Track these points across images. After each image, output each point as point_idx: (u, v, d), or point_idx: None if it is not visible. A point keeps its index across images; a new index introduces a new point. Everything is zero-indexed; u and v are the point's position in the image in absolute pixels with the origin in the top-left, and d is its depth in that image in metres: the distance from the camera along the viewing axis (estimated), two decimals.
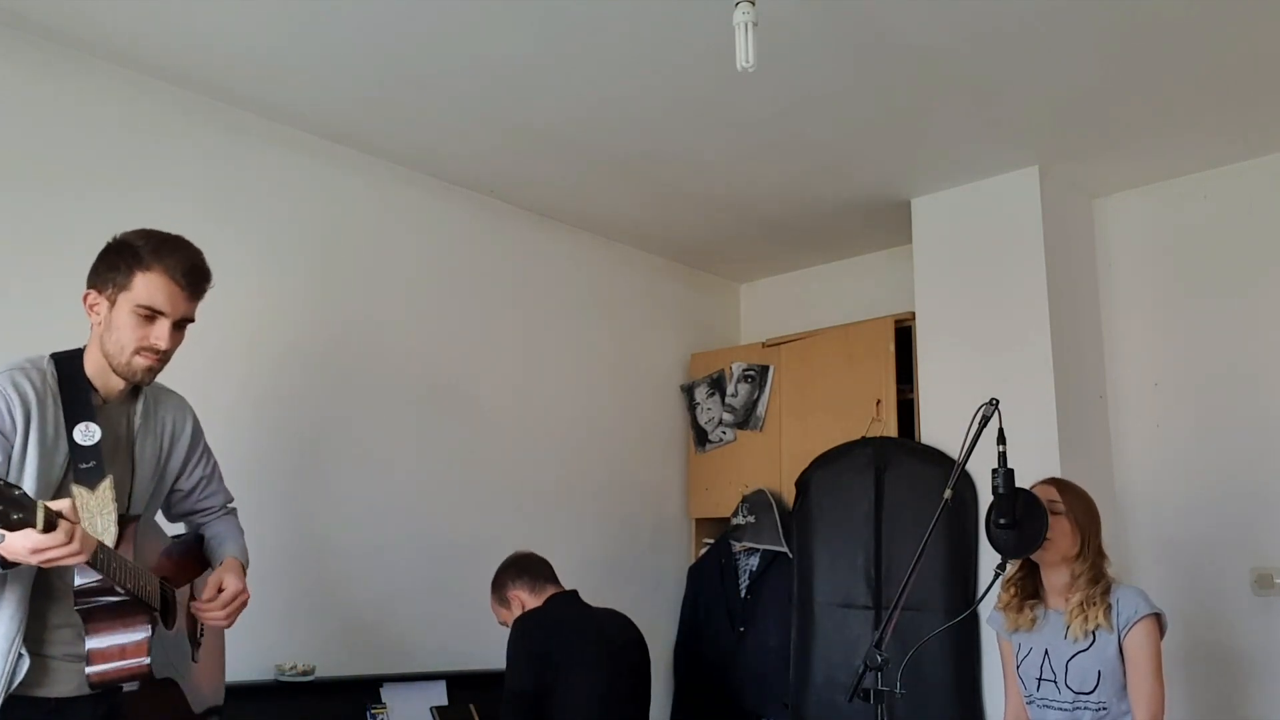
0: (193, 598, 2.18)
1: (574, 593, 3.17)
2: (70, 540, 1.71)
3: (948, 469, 2.80)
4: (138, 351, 2.01)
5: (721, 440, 4.45)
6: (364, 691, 3.20)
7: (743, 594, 4.09)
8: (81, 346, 2.06)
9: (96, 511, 1.95)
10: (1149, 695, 2.50)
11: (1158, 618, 2.58)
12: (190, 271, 2.05)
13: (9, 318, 2.64)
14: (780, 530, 4.01)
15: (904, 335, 3.93)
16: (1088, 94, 3.10)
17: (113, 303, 2.01)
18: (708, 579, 4.26)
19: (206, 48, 2.87)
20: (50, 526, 1.67)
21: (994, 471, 2.47)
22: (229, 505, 2.38)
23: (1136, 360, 3.70)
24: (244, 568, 2.24)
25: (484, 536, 3.68)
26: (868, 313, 4.18)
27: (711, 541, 4.40)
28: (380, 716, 3.18)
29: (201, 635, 2.23)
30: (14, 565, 1.80)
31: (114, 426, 2.06)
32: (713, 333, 4.81)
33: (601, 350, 4.29)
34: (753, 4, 2.33)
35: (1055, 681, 2.62)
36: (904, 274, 4.01)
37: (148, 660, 1.91)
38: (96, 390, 2.04)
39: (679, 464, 4.57)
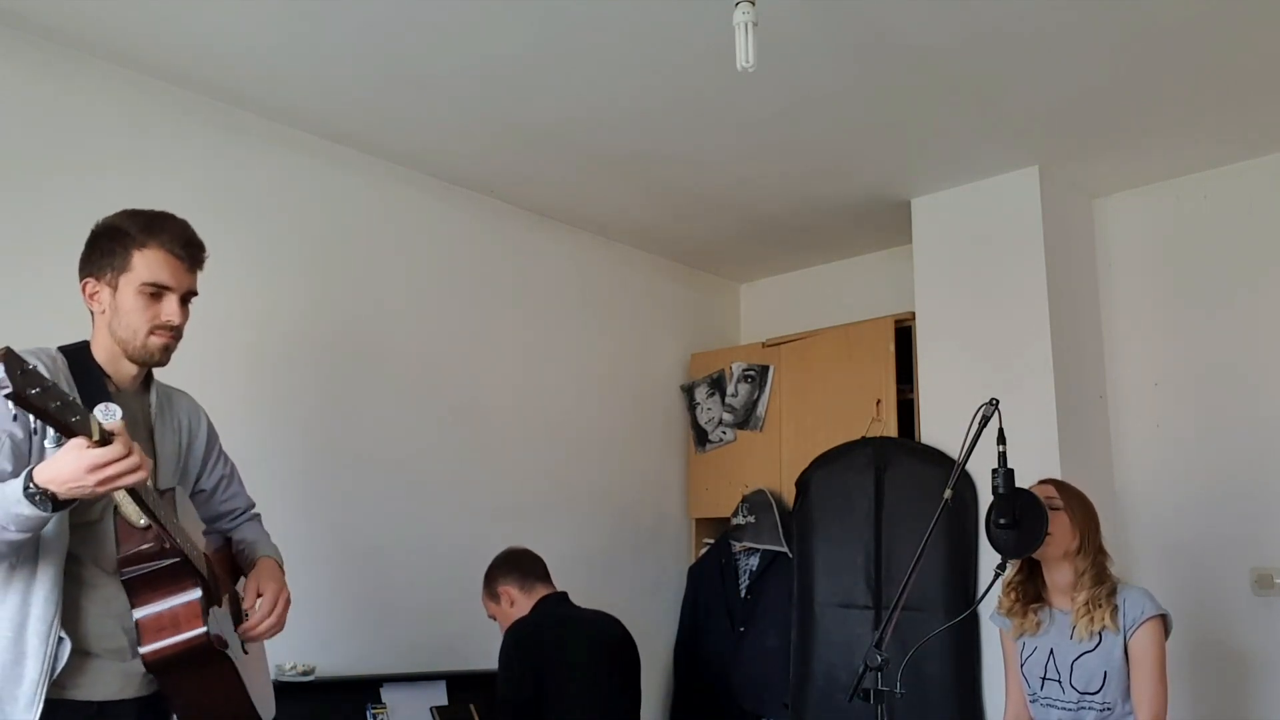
0: (234, 605, 2.08)
1: (563, 595, 3.19)
2: (130, 452, 1.60)
3: (948, 469, 2.79)
4: (152, 332, 1.96)
5: (721, 440, 4.45)
6: (364, 691, 3.20)
7: (743, 594, 4.09)
8: (86, 340, 2.01)
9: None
10: (1153, 696, 2.51)
11: (1163, 619, 2.58)
12: (187, 243, 2.01)
13: (9, 318, 2.64)
14: (780, 530, 4.01)
15: (904, 335, 3.93)
16: (1088, 94, 3.10)
17: (114, 287, 1.95)
18: (708, 579, 4.26)
19: (206, 48, 2.87)
20: (105, 441, 1.56)
21: (994, 471, 2.47)
22: (253, 510, 2.33)
23: (1136, 360, 3.70)
24: (280, 566, 2.19)
25: (484, 536, 3.68)
26: (868, 313, 4.18)
27: (711, 541, 4.40)
28: (380, 716, 3.18)
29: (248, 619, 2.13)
30: (65, 505, 1.67)
31: (132, 412, 1.98)
32: (713, 333, 4.81)
33: (601, 350, 4.29)
34: (753, 4, 2.33)
35: (1060, 681, 2.62)
36: (904, 274, 4.01)
37: (204, 628, 1.79)
38: (110, 378, 1.98)
39: (679, 464, 4.57)
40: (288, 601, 2.12)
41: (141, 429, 2.02)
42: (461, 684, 3.40)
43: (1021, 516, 2.54)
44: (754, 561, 4.09)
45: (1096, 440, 3.65)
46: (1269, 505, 3.35)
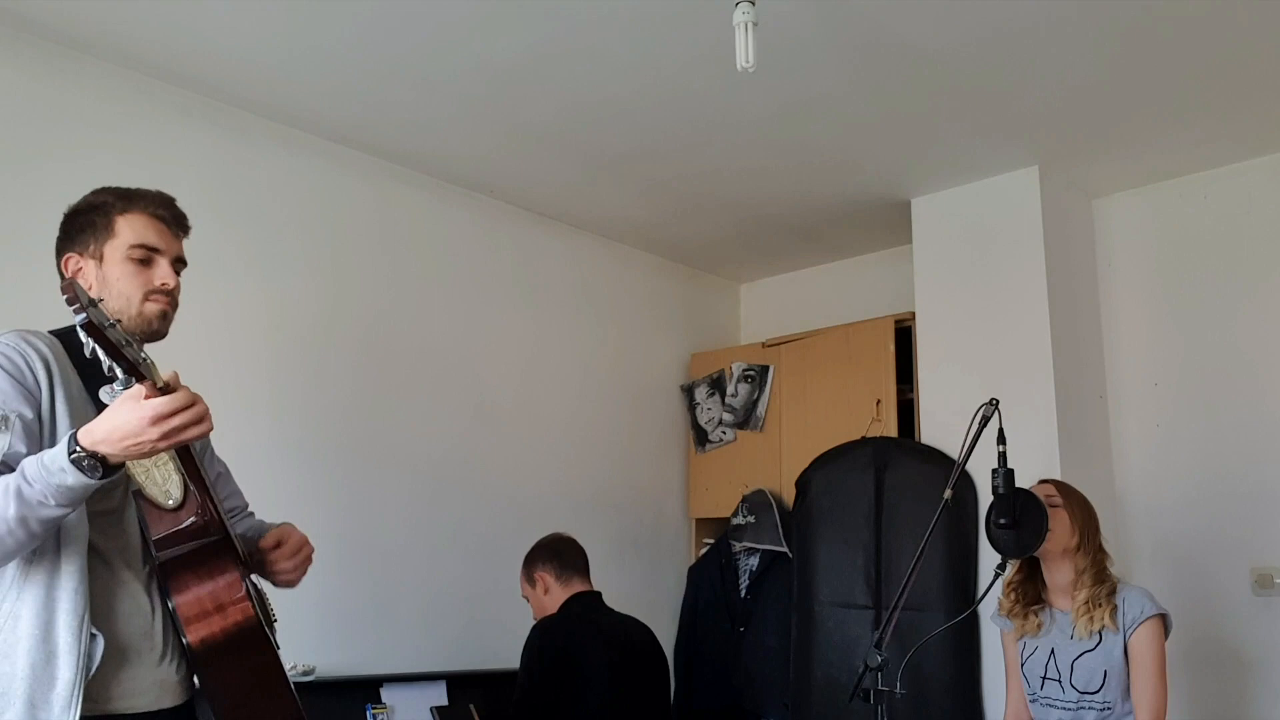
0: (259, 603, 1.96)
1: (597, 595, 3.16)
2: (196, 400, 1.46)
3: (948, 469, 2.79)
4: (146, 298, 1.82)
5: (721, 440, 4.45)
6: (364, 691, 3.20)
7: (743, 594, 4.09)
8: (71, 325, 1.86)
9: (151, 464, 1.70)
10: (1153, 695, 2.51)
11: (1163, 618, 2.59)
12: (169, 204, 1.89)
13: (8, 317, 2.63)
14: (780, 530, 4.01)
15: (904, 335, 3.93)
16: (1088, 94, 3.10)
17: (100, 259, 1.82)
18: (708, 579, 4.26)
19: (206, 48, 2.87)
20: (167, 389, 1.43)
21: (994, 471, 2.47)
22: (249, 510, 2.26)
23: (1136, 360, 3.70)
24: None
25: (484, 536, 3.68)
26: (868, 313, 4.18)
27: (711, 541, 4.40)
28: (380, 716, 3.18)
29: (274, 619, 2.03)
30: (115, 471, 1.52)
31: None
32: (713, 333, 4.81)
33: (602, 350, 4.29)
34: (753, 4, 2.33)
35: (1060, 681, 2.62)
36: (904, 274, 4.01)
37: (252, 610, 1.65)
38: None
39: (679, 464, 4.57)
40: (310, 553, 2.00)
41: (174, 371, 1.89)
42: (461, 684, 3.40)
43: (1021, 516, 2.54)
44: (754, 561, 4.09)
45: (1096, 440, 3.65)
46: (1269, 505, 3.35)
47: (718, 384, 4.51)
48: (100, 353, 1.43)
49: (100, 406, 1.67)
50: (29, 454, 1.59)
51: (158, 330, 1.87)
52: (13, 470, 1.56)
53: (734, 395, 4.42)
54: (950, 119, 3.28)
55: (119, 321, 1.44)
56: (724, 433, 4.44)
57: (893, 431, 3.85)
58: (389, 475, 3.46)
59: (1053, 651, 2.65)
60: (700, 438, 4.53)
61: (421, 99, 3.15)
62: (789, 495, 4.01)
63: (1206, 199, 3.63)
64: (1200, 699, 3.34)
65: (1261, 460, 3.39)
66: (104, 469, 1.50)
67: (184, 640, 1.67)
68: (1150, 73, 2.98)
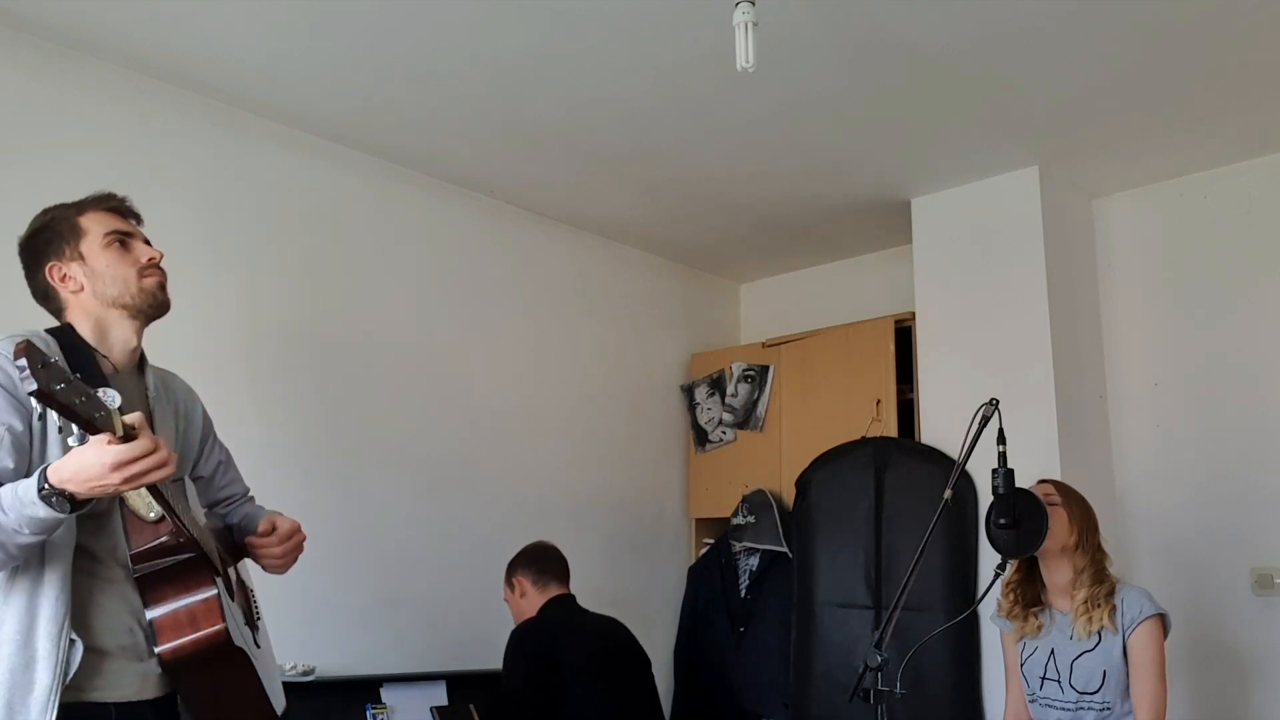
0: (245, 599, 2.02)
1: (571, 597, 3.20)
2: (156, 448, 1.53)
3: (948, 469, 2.79)
4: (141, 275, 1.91)
5: (721, 440, 4.45)
6: (364, 691, 3.20)
7: (743, 594, 4.09)
8: (68, 323, 1.92)
9: None
10: (1152, 695, 2.51)
11: (1162, 618, 2.59)
12: (114, 197, 1.98)
13: (8, 316, 2.63)
14: (780, 530, 4.01)
15: (904, 335, 3.93)
16: (1088, 94, 3.10)
17: (80, 257, 1.89)
18: (708, 579, 4.26)
19: (207, 48, 2.87)
20: (129, 437, 1.49)
21: (994, 471, 2.47)
22: (250, 495, 2.28)
23: (1136, 360, 3.70)
24: None
25: (484, 536, 3.68)
26: (868, 313, 4.18)
27: (711, 541, 4.40)
28: (380, 716, 3.18)
29: (258, 618, 2.10)
30: (83, 506, 1.59)
31: (130, 396, 1.88)
32: (713, 333, 4.81)
33: (602, 350, 4.29)
34: (753, 4, 2.33)
35: (1059, 681, 2.63)
36: (904, 274, 4.01)
37: (222, 625, 1.72)
38: (105, 357, 1.90)
39: (679, 464, 4.57)
40: (301, 540, 2.06)
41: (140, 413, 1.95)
42: (461, 684, 3.40)
43: (1021, 516, 2.54)
44: (754, 561, 4.09)
45: (1096, 440, 3.65)
46: (1269, 505, 3.35)
47: (718, 384, 4.51)
48: (54, 416, 1.47)
49: None
50: (16, 468, 1.67)
51: (162, 301, 1.96)
52: (1, 484, 1.63)
53: (734, 395, 4.42)
54: (950, 119, 3.28)
55: (77, 375, 1.48)
56: (724, 433, 4.44)
57: (893, 431, 3.85)
58: (389, 475, 3.46)
59: (1052, 652, 2.65)
60: (700, 438, 4.53)
61: (421, 99, 3.15)
62: (789, 495, 4.01)
63: (1206, 199, 3.63)
64: (1200, 699, 3.34)
65: (1261, 460, 3.39)
66: (73, 504, 1.57)
67: (155, 650, 1.74)
68: (1150, 73, 2.98)
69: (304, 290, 3.32)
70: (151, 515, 1.74)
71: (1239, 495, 3.41)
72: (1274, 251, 3.47)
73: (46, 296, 1.95)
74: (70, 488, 1.55)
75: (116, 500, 1.77)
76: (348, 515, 3.34)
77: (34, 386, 1.38)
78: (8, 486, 1.62)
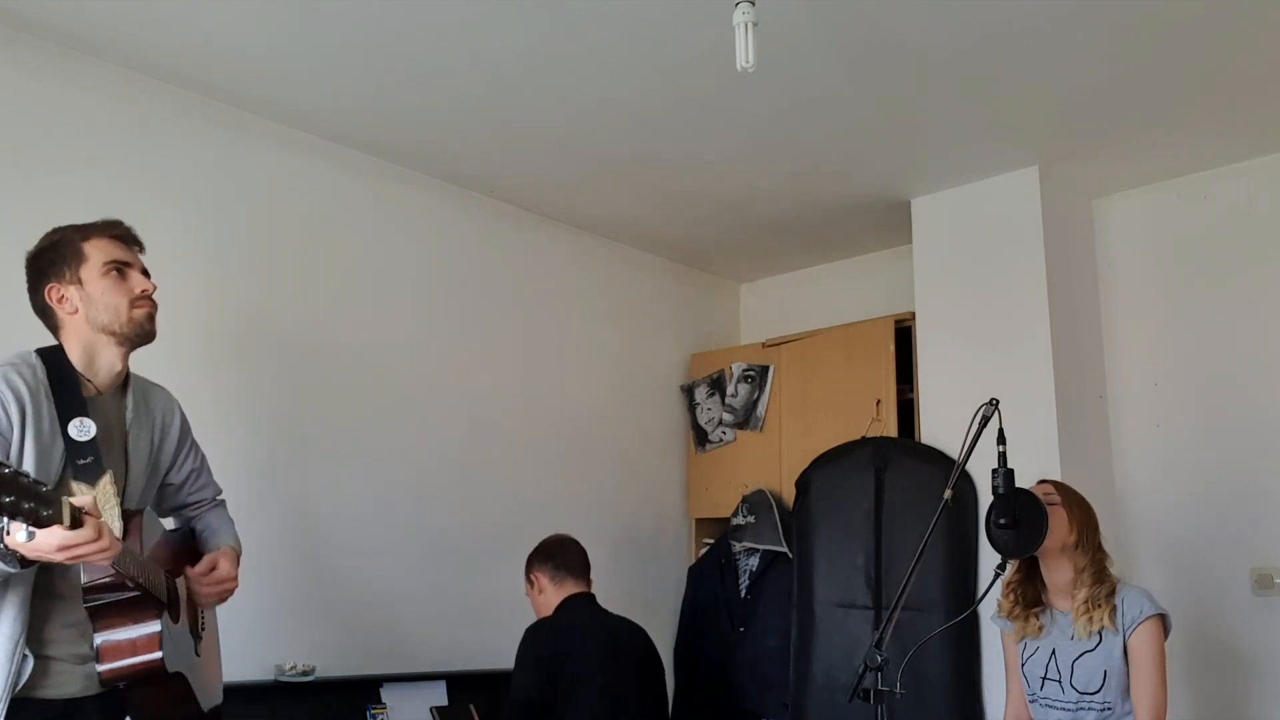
0: (192, 614, 2.16)
1: (591, 596, 3.16)
2: (100, 535, 1.68)
3: (948, 469, 2.79)
4: (133, 305, 2.04)
5: (721, 440, 4.45)
6: (364, 691, 3.20)
7: (743, 594, 4.09)
8: (59, 344, 2.04)
9: (101, 506, 1.92)
10: (1152, 696, 2.51)
11: (1162, 618, 2.59)
12: (120, 225, 2.09)
13: (7, 316, 2.63)
14: (780, 530, 4.01)
15: (904, 335, 3.93)
16: (1088, 94, 3.10)
17: (79, 282, 2.01)
18: (708, 579, 4.26)
19: (206, 48, 2.87)
20: (76, 523, 1.63)
21: (994, 471, 2.47)
22: (218, 498, 2.38)
23: (1136, 360, 3.70)
24: (238, 557, 2.27)
25: (484, 536, 3.68)
26: (868, 313, 4.18)
27: (711, 541, 4.40)
28: (380, 716, 3.18)
29: (203, 629, 2.23)
30: (32, 564, 1.75)
31: (108, 420, 2.04)
32: (713, 333, 4.81)
33: (602, 350, 4.29)
34: (753, 4, 2.33)
35: (1060, 681, 2.62)
36: (904, 274, 4.01)
37: (160, 654, 1.89)
38: (90, 381, 2.02)
39: (679, 464, 4.57)
40: (231, 589, 2.21)
41: (116, 436, 2.06)
42: (461, 684, 3.40)
43: (1021, 516, 2.54)
44: (754, 561, 4.09)
45: (1096, 440, 3.65)
46: (1269, 505, 3.35)
47: (718, 384, 4.51)
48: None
49: (68, 439, 1.91)
50: None
51: (149, 332, 2.08)
52: None
53: (734, 395, 4.42)
54: (950, 119, 3.28)
55: (26, 474, 1.56)
56: (724, 433, 4.44)
57: (893, 431, 3.85)
58: (389, 474, 3.46)
59: (1053, 652, 2.65)
60: (700, 438, 4.53)
61: (422, 99, 3.15)
62: (789, 495, 4.01)
63: (1206, 199, 3.63)
64: (1200, 699, 3.34)
65: (1261, 460, 3.39)
66: (23, 562, 1.71)
67: (98, 670, 1.89)
68: (1150, 73, 2.98)
69: (302, 289, 3.32)
70: None
71: (1239, 495, 3.41)
72: (1274, 251, 3.46)
73: (44, 313, 2.06)
74: (21, 551, 1.67)
75: None
76: (348, 515, 3.34)
77: None
78: None
